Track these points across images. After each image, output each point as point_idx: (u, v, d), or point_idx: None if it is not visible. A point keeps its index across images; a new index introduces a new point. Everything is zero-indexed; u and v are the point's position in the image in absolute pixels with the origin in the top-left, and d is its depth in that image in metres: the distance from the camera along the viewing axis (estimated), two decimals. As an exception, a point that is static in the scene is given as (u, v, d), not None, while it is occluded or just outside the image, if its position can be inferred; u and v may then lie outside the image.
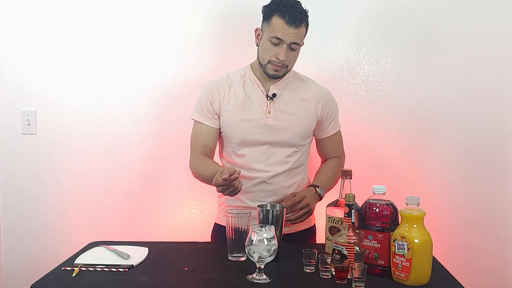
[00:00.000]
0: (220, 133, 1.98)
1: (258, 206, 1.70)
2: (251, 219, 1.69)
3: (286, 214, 1.75)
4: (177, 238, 2.44)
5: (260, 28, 1.88)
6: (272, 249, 1.47)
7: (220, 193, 2.01)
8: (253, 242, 1.47)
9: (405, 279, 1.46)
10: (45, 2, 2.46)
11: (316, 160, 2.12)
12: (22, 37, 2.48)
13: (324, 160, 2.08)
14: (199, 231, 2.50)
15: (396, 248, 1.47)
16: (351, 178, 1.66)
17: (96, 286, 1.48)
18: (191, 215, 2.52)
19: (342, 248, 1.47)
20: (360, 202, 1.58)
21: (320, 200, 1.93)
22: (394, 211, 1.53)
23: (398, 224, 1.51)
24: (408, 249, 1.44)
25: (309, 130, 1.96)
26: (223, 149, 2.00)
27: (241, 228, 1.65)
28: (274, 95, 1.91)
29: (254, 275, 1.49)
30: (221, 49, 2.44)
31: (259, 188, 1.91)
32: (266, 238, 1.47)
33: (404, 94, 2.42)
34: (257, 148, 1.90)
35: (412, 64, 2.41)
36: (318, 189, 1.90)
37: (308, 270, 1.57)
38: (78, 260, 1.65)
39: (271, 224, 1.59)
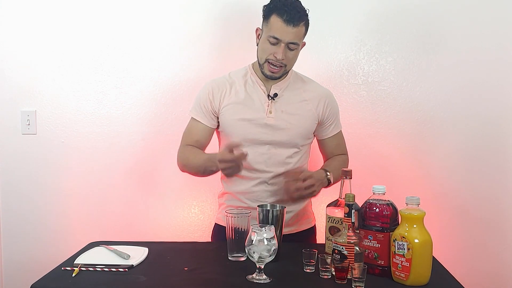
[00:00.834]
0: (220, 132, 1.98)
1: (258, 206, 1.69)
2: (251, 219, 1.69)
3: (289, 191, 1.76)
4: (177, 238, 2.44)
5: (260, 28, 1.88)
6: (272, 249, 1.47)
7: (221, 194, 2.03)
8: (253, 242, 1.47)
9: (405, 279, 1.46)
10: (45, 2, 2.46)
11: (316, 161, 2.11)
12: (22, 37, 2.48)
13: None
14: (199, 231, 2.50)
15: (396, 248, 1.47)
16: (351, 178, 1.66)
17: (96, 286, 1.48)
18: (191, 215, 2.52)
19: (342, 248, 1.47)
20: (360, 202, 1.58)
21: (327, 186, 1.89)
22: (394, 211, 1.53)
23: (398, 224, 1.51)
24: (408, 249, 1.44)
25: (310, 130, 1.96)
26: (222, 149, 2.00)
27: (241, 228, 1.65)
28: (276, 95, 1.91)
29: (254, 275, 1.49)
30: (221, 49, 2.44)
31: (260, 188, 1.91)
32: (266, 238, 1.47)
33: (404, 94, 2.42)
34: (258, 148, 1.90)
35: (412, 64, 2.41)
36: (328, 174, 1.86)
37: (308, 270, 1.57)
38: (78, 260, 1.65)
39: (271, 224, 1.59)
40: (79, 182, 2.52)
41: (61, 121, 2.51)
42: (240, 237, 1.63)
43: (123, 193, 2.51)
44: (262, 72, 1.88)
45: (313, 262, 1.57)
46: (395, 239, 1.47)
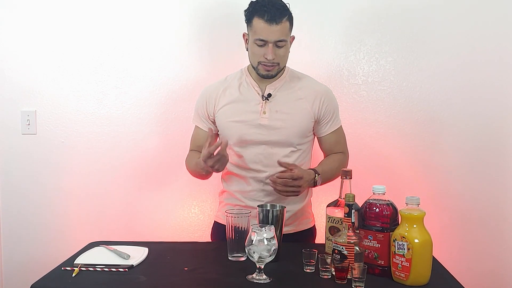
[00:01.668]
0: (219, 135, 1.99)
1: (258, 206, 1.70)
2: (251, 219, 1.69)
3: (276, 183, 1.77)
4: (177, 238, 2.44)
5: (246, 32, 1.90)
6: (272, 249, 1.47)
7: (221, 192, 2.04)
8: (253, 242, 1.47)
9: (405, 279, 1.46)
10: (45, 2, 2.46)
11: (319, 159, 2.11)
12: (22, 37, 2.48)
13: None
14: (199, 231, 2.50)
15: (396, 248, 1.47)
16: (351, 178, 1.66)
17: (96, 286, 1.48)
18: (191, 215, 2.52)
19: (342, 248, 1.47)
20: (360, 202, 1.58)
21: (313, 187, 1.93)
22: (394, 211, 1.53)
23: (398, 224, 1.51)
24: (408, 249, 1.44)
25: (306, 129, 1.95)
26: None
27: (241, 228, 1.65)
28: (269, 95, 1.91)
29: (254, 275, 1.49)
30: (221, 49, 2.44)
31: (257, 187, 1.92)
32: (266, 238, 1.47)
33: (404, 94, 2.42)
34: (254, 148, 1.90)
35: (412, 64, 2.41)
36: (316, 176, 1.88)
37: (308, 270, 1.57)
38: (78, 260, 1.65)
39: (271, 224, 1.59)
40: (79, 182, 2.52)
41: (61, 121, 2.51)
42: (240, 237, 1.63)
43: (123, 193, 2.52)
44: (258, 74, 1.89)
45: (313, 262, 1.57)
46: (395, 239, 1.47)
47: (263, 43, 1.81)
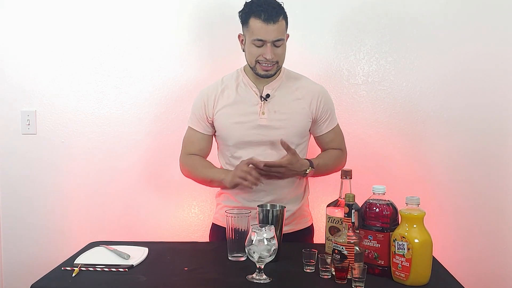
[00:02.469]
0: (217, 137, 1.99)
1: (258, 206, 1.70)
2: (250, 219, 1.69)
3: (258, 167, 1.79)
4: (177, 238, 2.44)
5: (242, 33, 1.89)
6: (272, 249, 1.47)
7: (218, 194, 2.04)
8: (253, 242, 1.47)
9: (405, 279, 1.46)
10: (45, 2, 2.46)
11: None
12: (22, 37, 2.48)
13: None
14: (199, 231, 2.50)
15: (396, 248, 1.47)
16: (351, 178, 1.66)
17: (96, 286, 1.48)
18: (191, 215, 2.52)
19: (342, 248, 1.47)
20: (360, 202, 1.58)
21: (303, 177, 1.94)
22: (394, 211, 1.53)
23: (398, 224, 1.51)
24: (408, 249, 1.44)
25: (305, 128, 1.95)
26: (220, 152, 2.01)
27: (241, 228, 1.65)
28: (268, 95, 1.91)
29: (254, 275, 1.49)
30: (222, 49, 2.44)
31: (254, 188, 1.90)
32: (266, 238, 1.47)
33: (404, 94, 2.42)
34: (254, 149, 1.90)
35: (412, 64, 2.41)
36: (308, 170, 1.89)
37: (308, 270, 1.57)
38: (78, 260, 1.65)
39: (271, 224, 1.59)
40: (79, 182, 2.52)
41: (61, 121, 2.51)
42: (240, 237, 1.63)
43: (124, 193, 2.51)
44: (256, 73, 1.89)
45: (313, 262, 1.57)
46: (395, 239, 1.47)
47: (262, 43, 1.81)
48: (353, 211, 1.50)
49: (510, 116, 2.39)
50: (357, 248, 1.48)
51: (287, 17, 1.86)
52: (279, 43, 1.82)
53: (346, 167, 1.72)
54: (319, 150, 2.07)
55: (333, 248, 1.50)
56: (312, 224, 2.07)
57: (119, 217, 2.51)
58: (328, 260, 1.51)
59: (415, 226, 1.46)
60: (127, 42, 2.47)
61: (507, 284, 2.43)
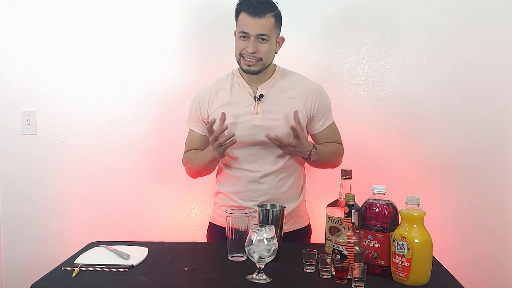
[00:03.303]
0: None
1: (258, 206, 1.70)
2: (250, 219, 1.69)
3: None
4: (177, 238, 2.44)
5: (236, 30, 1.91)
6: (272, 249, 1.47)
7: (216, 193, 2.04)
8: (253, 242, 1.47)
9: (405, 279, 1.46)
10: (45, 2, 2.46)
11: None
12: (22, 37, 2.48)
13: None
14: (199, 231, 2.49)
15: (396, 248, 1.47)
16: (351, 178, 1.66)
17: (96, 286, 1.48)
18: (191, 215, 2.52)
19: (342, 248, 1.47)
20: (360, 202, 1.58)
21: (306, 159, 1.92)
22: (394, 211, 1.53)
23: (398, 224, 1.51)
24: (408, 249, 1.44)
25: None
26: None
27: (241, 228, 1.65)
28: (261, 95, 1.91)
29: (254, 275, 1.49)
30: (221, 48, 2.43)
31: (251, 187, 1.92)
32: (266, 238, 1.47)
33: (404, 94, 2.42)
34: (249, 149, 1.91)
35: (412, 64, 2.41)
36: (312, 151, 1.87)
37: (308, 270, 1.57)
38: (78, 260, 1.65)
39: (271, 224, 1.59)
40: (79, 182, 2.52)
41: (61, 121, 2.51)
42: (240, 237, 1.63)
43: (124, 193, 2.51)
44: (242, 69, 1.90)
45: (313, 262, 1.57)
46: (395, 239, 1.47)
47: (245, 35, 1.83)
48: (353, 211, 1.50)
49: (510, 116, 2.39)
50: (357, 248, 1.48)
51: (280, 17, 1.87)
52: (263, 38, 1.83)
53: (346, 167, 1.72)
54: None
55: (333, 248, 1.50)
56: (310, 224, 2.07)
57: (119, 217, 2.51)
58: (328, 260, 1.51)
59: (415, 226, 1.46)
60: (127, 42, 2.47)
61: (507, 284, 2.43)
